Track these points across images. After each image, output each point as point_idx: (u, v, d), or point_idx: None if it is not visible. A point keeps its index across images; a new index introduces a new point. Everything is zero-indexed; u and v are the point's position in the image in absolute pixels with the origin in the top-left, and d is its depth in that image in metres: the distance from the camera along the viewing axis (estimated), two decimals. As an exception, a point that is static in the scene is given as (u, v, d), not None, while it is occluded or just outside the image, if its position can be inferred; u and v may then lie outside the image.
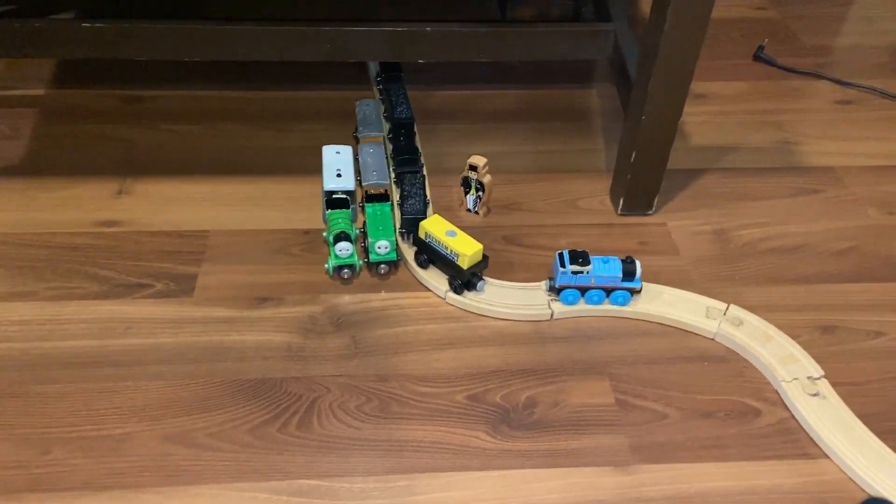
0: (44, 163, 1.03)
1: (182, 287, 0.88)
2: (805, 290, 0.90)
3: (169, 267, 0.90)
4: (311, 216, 0.98)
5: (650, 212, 1.01)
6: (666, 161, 0.95)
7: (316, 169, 1.02)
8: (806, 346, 0.82)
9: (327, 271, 0.90)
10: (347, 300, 0.88)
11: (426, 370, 0.81)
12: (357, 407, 0.77)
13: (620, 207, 1.00)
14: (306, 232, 0.96)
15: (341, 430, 0.74)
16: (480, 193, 0.98)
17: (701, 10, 0.83)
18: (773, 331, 0.83)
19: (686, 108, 0.91)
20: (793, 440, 0.75)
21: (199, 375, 0.79)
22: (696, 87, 1.22)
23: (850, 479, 0.72)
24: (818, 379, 0.78)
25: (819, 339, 0.85)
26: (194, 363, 0.80)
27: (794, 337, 0.83)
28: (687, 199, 1.03)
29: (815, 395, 0.77)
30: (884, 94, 1.22)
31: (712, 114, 1.18)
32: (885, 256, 0.95)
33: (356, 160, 1.00)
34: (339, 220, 0.90)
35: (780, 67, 1.28)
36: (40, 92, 1.15)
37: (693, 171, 1.07)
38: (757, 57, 1.30)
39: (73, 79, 1.18)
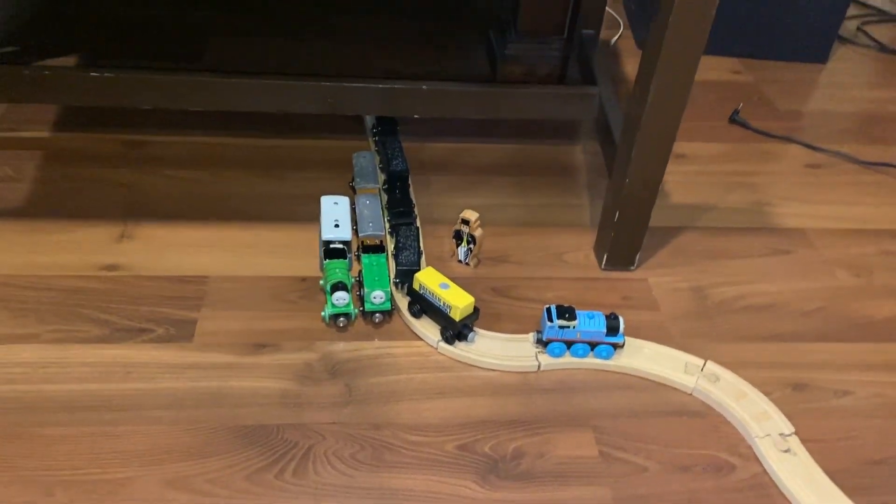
0: (47, 206, 1.06)
1: (182, 332, 0.90)
2: (777, 347, 0.96)
3: (169, 312, 0.93)
4: (309, 263, 1.01)
5: (632, 267, 1.06)
6: (647, 221, 1.01)
7: (313, 216, 1.06)
8: (778, 403, 0.87)
9: (323, 319, 0.93)
10: (342, 348, 0.91)
11: (418, 419, 0.84)
12: (351, 455, 0.80)
13: (604, 263, 1.05)
14: (303, 279, 0.99)
15: (336, 478, 0.77)
16: (471, 246, 1.03)
17: (682, 84, 0.88)
18: (747, 387, 0.88)
19: (667, 168, 0.96)
20: (765, 495, 0.79)
21: (199, 421, 0.81)
22: (676, 147, 1.28)
23: (819, 532, 0.76)
24: (789, 436, 0.83)
25: (790, 396, 0.89)
26: (194, 408, 0.83)
27: (766, 394, 0.88)
28: (667, 256, 1.08)
29: (786, 451, 0.81)
30: (852, 160, 1.29)
31: (691, 173, 1.24)
32: (851, 317, 1.00)
33: (353, 210, 1.04)
34: (337, 270, 0.93)
35: (754, 130, 1.35)
36: (44, 134, 1.18)
37: (673, 229, 1.13)
38: (732, 120, 1.37)
39: (77, 122, 1.21)
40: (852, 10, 1.74)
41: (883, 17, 1.77)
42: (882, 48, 1.64)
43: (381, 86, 1.11)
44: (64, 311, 0.91)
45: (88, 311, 0.92)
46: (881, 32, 1.70)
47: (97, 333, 0.89)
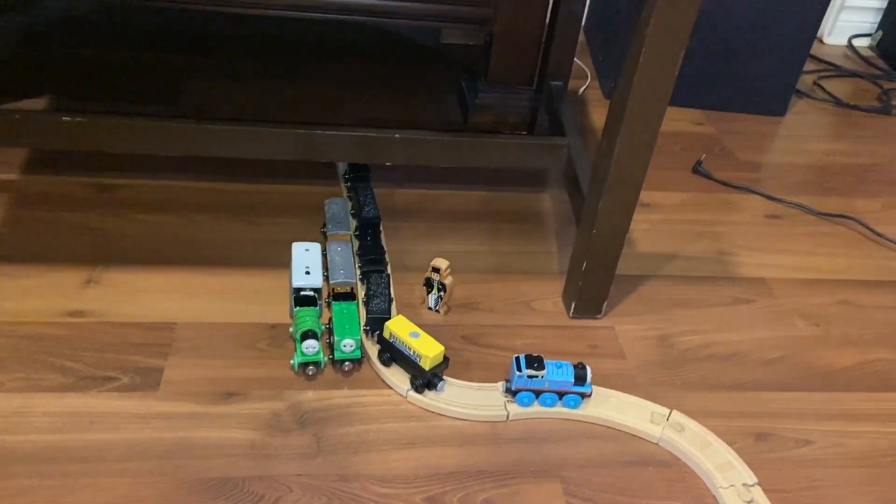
0: (12, 249, 1.04)
1: (148, 381, 0.89)
2: (740, 396, 0.97)
3: (135, 359, 0.92)
4: (278, 310, 1.01)
5: (599, 316, 1.07)
6: (614, 270, 1.03)
7: (283, 263, 1.06)
8: (741, 453, 0.88)
9: (292, 367, 0.93)
10: (311, 396, 0.91)
11: (386, 470, 0.84)
12: (319, 507, 0.79)
13: (572, 311, 1.06)
14: (273, 326, 0.99)
15: (303, 532, 0.76)
16: (442, 293, 1.03)
17: (648, 138, 0.91)
18: (711, 437, 0.89)
19: (633, 216, 0.99)
20: (730, 545, 0.80)
21: (163, 473, 0.80)
22: (642, 196, 1.31)
23: (782, 583, 0.77)
24: (752, 486, 0.84)
25: (753, 445, 0.91)
26: (158, 460, 0.81)
27: (730, 443, 0.89)
28: (633, 304, 1.10)
29: (749, 501, 0.82)
30: (809, 211, 1.34)
31: (656, 222, 1.27)
32: (811, 367, 1.03)
33: (324, 256, 1.05)
34: (307, 318, 0.93)
35: (716, 181, 1.39)
36: (12, 177, 1.17)
37: (638, 277, 1.15)
38: (695, 170, 1.41)
39: (46, 165, 1.20)
40: (809, 66, 1.82)
41: (838, 72, 1.85)
42: (838, 102, 1.71)
43: (353, 133, 1.12)
44: (28, 358, 0.90)
45: (53, 359, 0.90)
46: (837, 87, 1.77)
47: (61, 382, 0.88)
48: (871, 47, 1.98)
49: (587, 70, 1.68)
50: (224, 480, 0.80)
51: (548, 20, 1.29)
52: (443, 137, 1.15)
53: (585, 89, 1.62)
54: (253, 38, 1.38)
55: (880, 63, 1.91)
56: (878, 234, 1.29)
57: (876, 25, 1.97)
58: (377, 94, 1.30)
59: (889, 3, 1.93)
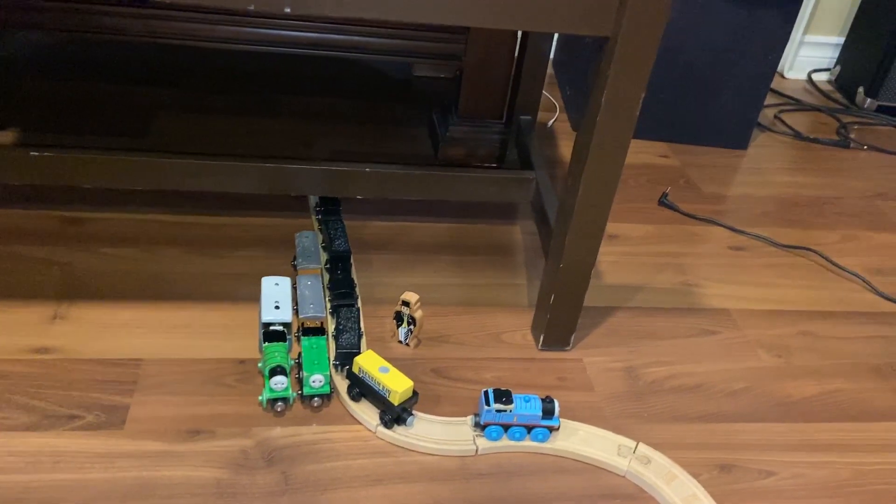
0: (-24, 284, 1.03)
1: (113, 419, 0.88)
2: (705, 428, 0.99)
3: (100, 397, 0.91)
4: (247, 345, 1.01)
5: (567, 348, 1.09)
6: (581, 303, 1.04)
7: (252, 296, 1.06)
8: (706, 485, 0.90)
9: (261, 403, 0.93)
10: (279, 433, 0.90)
11: (355, 507, 0.83)
12: (286, 547, 0.78)
13: (541, 343, 1.08)
14: (241, 361, 0.99)
15: (270, 572, 0.76)
16: (412, 327, 1.04)
17: (610, 179, 0.93)
18: (677, 469, 0.91)
19: (600, 248, 1.01)
20: (695, 578, 0.81)
21: (128, 513, 0.79)
22: (609, 227, 1.34)
23: None
24: (717, 518, 0.85)
25: (717, 477, 0.93)
26: (122, 500, 0.80)
27: (695, 475, 0.91)
28: (600, 336, 1.12)
29: (714, 534, 0.83)
30: (771, 243, 1.37)
31: (623, 254, 1.30)
32: (773, 397, 1.05)
33: (294, 290, 1.05)
34: (276, 354, 0.93)
35: (681, 213, 1.42)
36: (-23, 210, 1.16)
37: (606, 309, 1.17)
38: (661, 202, 1.44)
39: (12, 198, 1.19)
40: (770, 99, 1.87)
41: (798, 106, 1.90)
42: (797, 135, 1.76)
43: (323, 167, 1.14)
44: (-11, 397, 0.89)
45: (17, 397, 0.89)
46: (797, 121, 1.83)
47: (25, 421, 0.86)
48: (829, 82, 2.05)
49: (556, 103, 1.71)
50: (190, 520, 0.79)
51: (516, 55, 1.32)
52: (413, 171, 1.17)
53: (554, 121, 1.65)
54: (224, 73, 1.39)
55: (839, 97, 1.97)
56: (837, 266, 1.33)
57: (834, 60, 2.04)
58: (348, 127, 1.32)
59: (846, 40, 2.00)
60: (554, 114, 1.67)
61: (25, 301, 1.02)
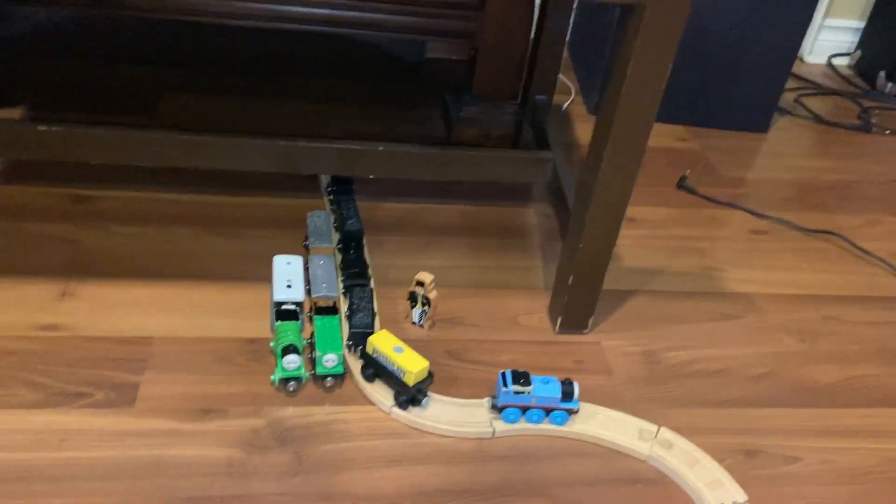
0: (-16, 261, 1.02)
1: (123, 397, 0.87)
2: (728, 413, 0.96)
3: (110, 375, 0.89)
4: (258, 325, 0.99)
5: (585, 331, 1.06)
6: (600, 285, 1.02)
7: (263, 276, 1.04)
8: (730, 470, 0.87)
9: (273, 383, 0.91)
10: (292, 413, 0.88)
11: (369, 489, 0.81)
12: (299, 528, 0.76)
13: (558, 326, 1.05)
14: (252, 341, 0.97)
15: (283, 553, 0.74)
16: (426, 308, 1.02)
17: (635, 152, 0.91)
18: (700, 454, 0.88)
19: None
20: (720, 565, 0.79)
21: (137, 493, 0.77)
22: (628, 211, 1.31)
23: None
24: (742, 504, 0.83)
25: (742, 463, 0.90)
26: (132, 479, 0.78)
27: (719, 460, 0.88)
28: (619, 320, 1.09)
29: (739, 519, 0.81)
30: (793, 227, 1.34)
31: (641, 237, 1.27)
32: (798, 383, 1.02)
33: (306, 270, 1.03)
34: (288, 332, 0.91)
35: (700, 196, 1.39)
36: (-14, 187, 1.14)
37: (624, 293, 1.14)
38: (680, 185, 1.41)
39: (22, 175, 1.17)
40: (791, 83, 1.83)
41: (819, 90, 1.87)
42: (819, 119, 1.73)
43: (336, 146, 1.11)
44: (-3, 373, 0.87)
45: (24, 374, 0.87)
46: (817, 105, 1.79)
47: (31, 398, 0.85)
48: (850, 66, 2.01)
49: (571, 86, 1.68)
50: (200, 500, 0.77)
51: (533, 35, 1.29)
52: (427, 150, 1.14)
53: (569, 104, 1.62)
54: (236, 51, 1.37)
55: (859, 82, 1.93)
56: (862, 250, 1.30)
57: (855, 45, 2.00)
58: (361, 107, 1.29)
59: (867, 23, 1.96)
60: (569, 97, 1.64)
61: (33, 278, 1.00)
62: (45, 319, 0.94)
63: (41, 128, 1.01)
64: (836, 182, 1.50)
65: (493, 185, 1.33)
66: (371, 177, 1.14)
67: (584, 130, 1.53)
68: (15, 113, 1.14)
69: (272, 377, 0.90)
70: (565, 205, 1.11)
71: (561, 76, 1.65)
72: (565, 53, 1.81)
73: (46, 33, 1.33)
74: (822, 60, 2.01)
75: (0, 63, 1.25)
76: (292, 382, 0.90)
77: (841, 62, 2.02)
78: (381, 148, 1.12)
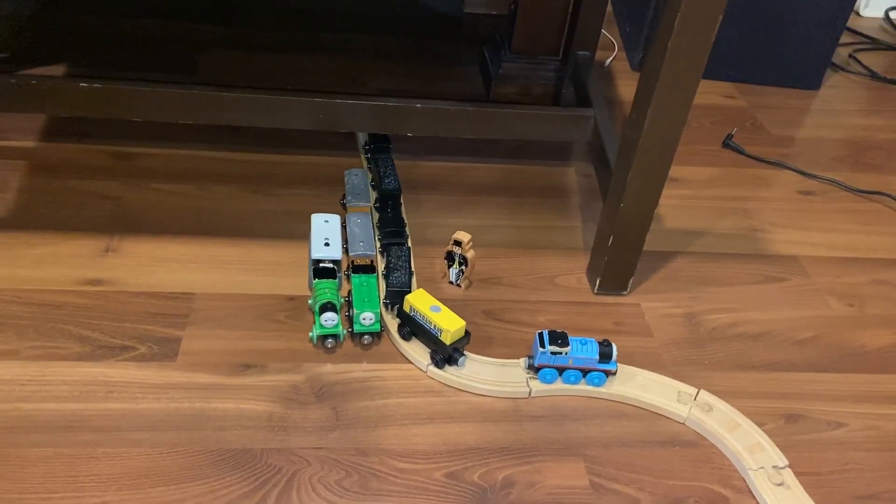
0: (30, 218, 1.03)
1: (165, 350, 0.88)
2: (770, 377, 0.95)
3: (153, 329, 0.91)
4: (297, 282, 0.99)
5: (625, 292, 1.05)
6: (642, 246, 1.00)
7: (302, 234, 1.04)
8: (771, 434, 0.86)
9: (311, 340, 0.91)
10: (330, 370, 0.89)
11: (406, 445, 0.82)
12: (337, 482, 0.78)
13: (597, 287, 1.04)
14: (291, 298, 0.97)
15: (321, 506, 0.75)
16: (463, 268, 1.01)
17: (680, 110, 0.88)
18: (740, 418, 0.87)
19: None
20: (758, 529, 0.78)
21: (180, 444, 0.79)
22: (670, 170, 1.28)
23: (812, 568, 0.75)
24: (783, 468, 0.81)
25: (784, 427, 0.88)
26: (175, 430, 0.80)
27: (760, 424, 0.87)
28: (660, 282, 1.07)
29: (779, 484, 0.80)
30: (844, 187, 1.29)
31: (684, 198, 1.24)
32: (844, 347, 1.00)
33: (343, 229, 1.03)
34: (326, 290, 0.91)
35: (747, 156, 1.35)
36: (30, 144, 1.16)
37: (666, 254, 1.12)
38: (726, 144, 1.36)
39: (65, 133, 1.19)
40: (845, 38, 1.75)
41: (875, 45, 1.78)
42: (874, 76, 1.65)
43: (373, 103, 1.10)
44: (45, 326, 0.89)
45: (70, 328, 0.89)
46: (873, 60, 1.71)
47: (78, 351, 0.87)
48: (909, 20, 1.91)
49: (614, 41, 1.63)
50: (242, 452, 0.79)
51: (575, -13, 1.25)
52: (465, 108, 1.12)
53: (612, 61, 1.58)
54: (274, 9, 1.35)
55: (919, 36, 1.84)
56: (916, 213, 1.25)
57: (916, -3, 1.90)
58: (397, 65, 1.27)
59: (930, -26, 1.85)
60: (612, 52, 1.60)
61: (77, 234, 1.02)
62: (89, 274, 0.96)
63: (83, 84, 1.01)
64: (891, 141, 1.44)
65: (533, 143, 1.31)
66: (409, 134, 1.13)
67: (626, 87, 1.49)
68: (57, 70, 1.15)
69: (310, 334, 0.91)
70: (607, 164, 1.08)
71: (604, 31, 1.60)
72: (608, 7, 1.75)
73: (86, -10, 1.33)
74: (880, 14, 1.92)
75: (42, 20, 1.26)
76: (330, 340, 0.91)
77: (900, 15, 1.92)
78: (418, 105, 1.11)
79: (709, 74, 1.55)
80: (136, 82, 1.04)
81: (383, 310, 0.95)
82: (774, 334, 1.01)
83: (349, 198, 1.07)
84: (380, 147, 1.18)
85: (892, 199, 1.27)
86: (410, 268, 0.99)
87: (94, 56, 1.20)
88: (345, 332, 0.92)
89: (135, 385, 0.84)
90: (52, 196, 1.07)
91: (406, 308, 0.92)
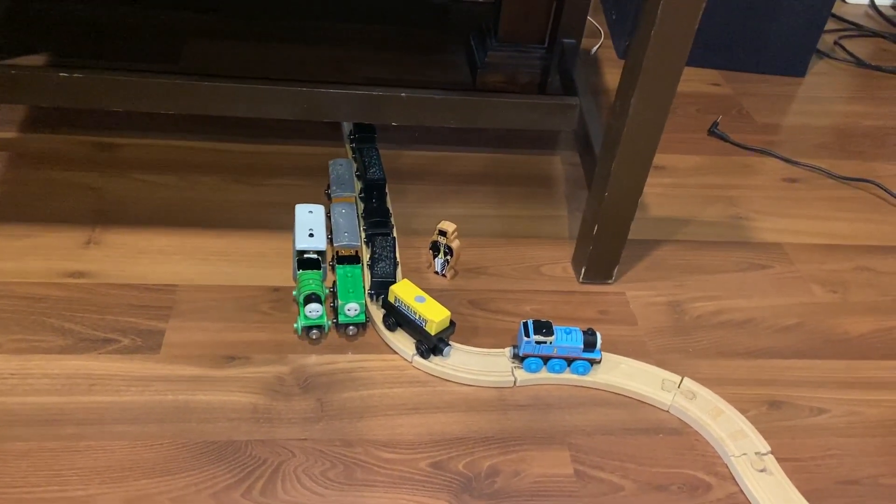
0: (11, 209, 1.02)
1: (149, 343, 0.88)
2: (753, 364, 0.95)
3: (136, 322, 0.90)
4: (281, 273, 0.99)
5: (610, 281, 1.05)
6: (626, 235, 1.00)
7: (286, 225, 1.04)
8: (754, 421, 0.86)
9: (296, 331, 0.91)
10: (314, 361, 0.89)
11: (391, 435, 0.82)
12: (322, 473, 0.78)
13: (582, 276, 1.04)
14: (276, 289, 0.97)
15: (305, 497, 0.75)
16: (448, 257, 1.01)
17: (664, 98, 0.88)
18: (723, 405, 0.87)
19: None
20: (741, 515, 0.79)
21: (164, 436, 0.79)
22: (655, 158, 1.27)
23: (794, 553, 0.76)
24: (765, 454, 0.82)
25: (766, 413, 0.89)
26: (159, 423, 0.80)
27: (743, 411, 0.87)
28: (644, 270, 1.07)
29: (762, 470, 0.80)
30: (828, 174, 1.30)
31: (669, 186, 1.24)
32: (827, 334, 1.00)
33: (328, 219, 1.02)
34: (310, 281, 0.91)
35: (732, 143, 1.35)
36: (11, 135, 1.15)
37: (650, 242, 1.12)
38: (711, 132, 1.37)
39: (46, 123, 1.18)
40: (830, 25, 1.76)
41: (860, 31, 1.79)
42: (859, 63, 1.66)
43: (358, 92, 1.09)
44: (27, 319, 0.88)
45: (52, 320, 0.89)
46: (858, 47, 1.72)
47: (60, 343, 0.86)
48: (893, 6, 1.92)
49: (600, 29, 1.63)
50: (227, 444, 0.79)
51: (561, -25, 1.25)
52: (451, 96, 1.12)
53: (598, 48, 1.57)
54: (256, -5, 1.34)
55: (904, 23, 1.84)
56: (899, 199, 1.26)
57: (901, -17, 1.90)
58: (384, 52, 1.26)
59: (916, -40, 1.86)
60: (598, 40, 1.59)
61: (59, 225, 1.01)
62: (71, 267, 0.96)
63: (62, 74, 1.00)
64: (875, 128, 1.45)
65: (519, 132, 1.30)
66: (393, 124, 1.12)
67: (613, 76, 1.49)
68: (37, 59, 1.13)
69: (295, 325, 0.91)
70: (592, 152, 1.08)
71: (590, 18, 1.59)
72: (595, -5, 1.75)
73: (66, -22, 1.31)
74: (865, 0, 1.92)
75: (21, 9, 1.24)
76: (315, 331, 0.90)
77: (884, 2, 1.92)
78: (403, 94, 1.10)
79: (694, 62, 1.55)
80: (117, 72, 1.03)
81: (368, 300, 0.95)
82: (758, 321, 1.01)
83: (334, 188, 1.07)
84: (365, 137, 1.17)
85: (877, 186, 1.28)
86: (395, 258, 0.99)
87: (75, 45, 1.19)
88: (329, 322, 0.92)
89: (118, 378, 0.84)
90: (33, 187, 1.06)
91: (391, 298, 0.91)
